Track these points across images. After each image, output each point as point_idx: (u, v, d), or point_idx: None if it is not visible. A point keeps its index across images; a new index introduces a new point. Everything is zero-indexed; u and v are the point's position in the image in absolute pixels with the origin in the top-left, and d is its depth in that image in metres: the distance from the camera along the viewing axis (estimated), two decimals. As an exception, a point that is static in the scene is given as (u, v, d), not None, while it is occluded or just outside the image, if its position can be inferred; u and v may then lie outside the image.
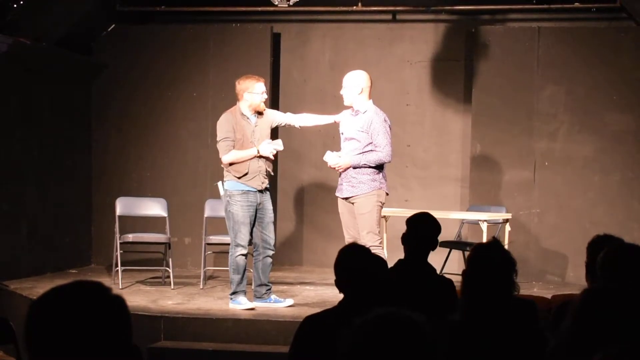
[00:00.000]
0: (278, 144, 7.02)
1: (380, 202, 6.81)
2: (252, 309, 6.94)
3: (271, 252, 7.10)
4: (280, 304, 7.10)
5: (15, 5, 7.87)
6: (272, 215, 7.10)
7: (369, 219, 6.73)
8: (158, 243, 8.36)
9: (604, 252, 3.40)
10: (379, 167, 6.81)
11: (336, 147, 9.61)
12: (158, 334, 6.64)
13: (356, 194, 6.79)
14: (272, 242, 7.10)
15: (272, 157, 7.04)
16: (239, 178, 6.91)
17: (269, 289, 7.15)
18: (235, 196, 6.92)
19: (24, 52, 8.23)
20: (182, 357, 6.48)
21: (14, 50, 8.00)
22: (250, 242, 7.07)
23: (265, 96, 7.08)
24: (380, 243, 6.76)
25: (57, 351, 1.70)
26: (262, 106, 7.04)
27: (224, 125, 6.97)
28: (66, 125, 9.25)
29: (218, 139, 7.00)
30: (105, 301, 1.77)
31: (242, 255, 6.93)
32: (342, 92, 6.94)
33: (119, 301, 1.79)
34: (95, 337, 1.71)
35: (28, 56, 8.38)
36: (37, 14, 8.22)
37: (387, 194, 6.93)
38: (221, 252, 7.78)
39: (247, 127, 6.96)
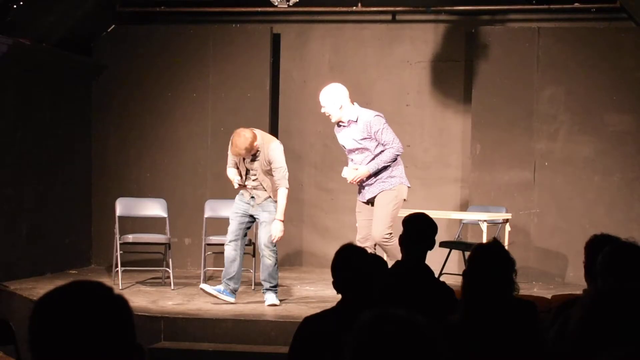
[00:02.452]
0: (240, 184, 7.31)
1: (400, 198, 6.85)
2: (213, 295, 7.19)
3: (267, 252, 7.19)
4: (267, 302, 7.25)
5: (15, 6, 7.87)
6: (266, 216, 7.19)
7: (383, 213, 6.76)
8: (158, 244, 8.36)
9: (603, 252, 3.39)
10: (394, 162, 6.84)
11: (335, 147, 9.61)
12: (158, 334, 6.64)
13: (376, 193, 6.84)
14: (264, 241, 7.20)
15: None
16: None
17: (266, 288, 7.25)
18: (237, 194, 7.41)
19: (24, 52, 8.23)
20: (182, 357, 6.49)
21: (14, 51, 8.00)
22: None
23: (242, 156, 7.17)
24: (390, 236, 6.71)
25: (60, 351, 1.71)
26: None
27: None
28: (66, 126, 9.25)
29: None
30: (108, 301, 1.77)
31: (226, 245, 7.30)
32: (323, 111, 6.91)
33: (122, 301, 1.80)
34: (98, 337, 1.72)
35: (28, 57, 8.39)
36: (37, 15, 8.22)
37: (408, 187, 6.96)
38: (221, 253, 7.79)
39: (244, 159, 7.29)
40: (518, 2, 9.34)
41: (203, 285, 7.34)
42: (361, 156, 6.86)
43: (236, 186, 7.27)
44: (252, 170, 7.24)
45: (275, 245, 7.20)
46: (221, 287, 7.27)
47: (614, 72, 8.83)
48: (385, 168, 6.81)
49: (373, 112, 6.89)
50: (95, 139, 9.69)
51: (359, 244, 6.70)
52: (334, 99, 6.85)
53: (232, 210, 7.34)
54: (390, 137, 6.77)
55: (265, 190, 7.25)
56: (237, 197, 7.39)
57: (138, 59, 9.62)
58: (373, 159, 6.80)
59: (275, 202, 7.17)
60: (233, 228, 7.28)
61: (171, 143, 9.58)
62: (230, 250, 7.23)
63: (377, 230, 6.71)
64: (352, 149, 6.91)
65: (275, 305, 7.18)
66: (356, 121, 6.83)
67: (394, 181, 6.81)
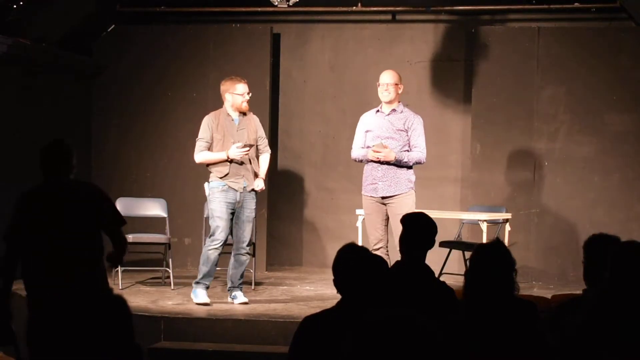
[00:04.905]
0: (247, 144, 7.08)
1: (414, 202, 6.94)
2: (207, 304, 7.08)
3: (243, 251, 7.19)
4: (235, 300, 7.20)
5: (15, 6, 7.87)
6: (249, 214, 7.17)
7: None
8: (158, 243, 8.37)
9: (613, 252, 3.36)
10: (411, 168, 6.94)
11: (336, 148, 9.59)
12: (158, 334, 6.65)
13: (395, 194, 6.84)
14: (245, 240, 7.18)
15: (240, 158, 7.05)
16: (221, 178, 7.12)
17: (234, 286, 7.24)
18: (215, 193, 7.14)
19: (24, 52, 8.23)
20: (182, 357, 6.48)
21: (14, 50, 8.00)
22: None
23: (247, 97, 7.15)
24: None
25: (59, 350, 1.71)
26: (244, 106, 7.15)
27: (202, 125, 7.24)
28: (66, 126, 9.24)
29: (197, 138, 7.24)
30: (106, 301, 1.78)
31: (214, 249, 7.09)
32: (382, 89, 6.95)
33: (120, 301, 1.80)
34: (97, 337, 1.72)
35: (28, 57, 8.38)
36: (37, 15, 8.22)
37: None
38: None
39: (230, 127, 7.15)
40: (518, 2, 9.34)
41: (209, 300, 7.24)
42: (392, 144, 6.91)
43: (239, 155, 6.98)
44: (240, 141, 7.07)
45: None
46: (204, 290, 7.23)
47: (614, 72, 8.83)
48: (405, 170, 6.87)
49: (419, 116, 7.06)
50: (95, 139, 9.68)
51: (375, 249, 6.72)
52: (398, 78, 7.00)
53: (220, 210, 7.06)
54: (424, 143, 6.95)
55: (251, 180, 7.16)
56: (220, 193, 7.10)
57: (138, 58, 9.62)
58: (403, 152, 6.88)
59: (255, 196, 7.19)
60: (224, 234, 7.07)
61: (171, 143, 9.58)
62: (217, 254, 7.12)
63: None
64: (384, 137, 6.93)
65: (246, 303, 7.17)
66: (400, 112, 6.96)
67: (410, 185, 6.90)
